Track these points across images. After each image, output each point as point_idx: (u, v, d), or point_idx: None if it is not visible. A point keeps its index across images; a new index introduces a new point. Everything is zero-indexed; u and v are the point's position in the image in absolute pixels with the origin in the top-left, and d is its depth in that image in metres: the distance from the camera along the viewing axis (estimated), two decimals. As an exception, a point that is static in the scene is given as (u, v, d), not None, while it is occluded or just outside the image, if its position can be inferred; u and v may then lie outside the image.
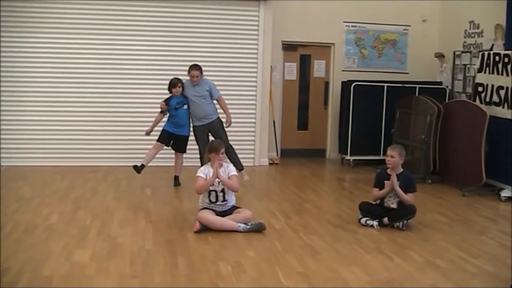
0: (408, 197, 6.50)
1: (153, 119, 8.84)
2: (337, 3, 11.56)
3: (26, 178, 8.92)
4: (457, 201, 8.27)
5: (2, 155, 10.04)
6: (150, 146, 8.64)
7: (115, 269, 4.93)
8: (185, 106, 8.59)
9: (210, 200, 6.37)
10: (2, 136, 10.03)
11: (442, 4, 11.90)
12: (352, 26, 11.83)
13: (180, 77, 8.80)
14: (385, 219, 6.53)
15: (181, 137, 8.65)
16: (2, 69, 9.95)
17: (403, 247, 5.84)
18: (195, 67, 8.52)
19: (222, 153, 6.43)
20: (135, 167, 8.36)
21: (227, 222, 6.24)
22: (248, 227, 6.20)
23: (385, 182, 6.57)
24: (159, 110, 8.60)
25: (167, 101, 8.57)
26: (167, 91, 8.69)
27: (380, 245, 5.85)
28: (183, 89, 8.59)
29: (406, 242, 6.02)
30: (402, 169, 6.67)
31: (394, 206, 6.58)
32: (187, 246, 5.70)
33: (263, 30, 10.68)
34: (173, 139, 8.64)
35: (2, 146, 10.04)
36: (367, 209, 6.71)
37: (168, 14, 10.40)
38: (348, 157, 11.02)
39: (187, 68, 8.95)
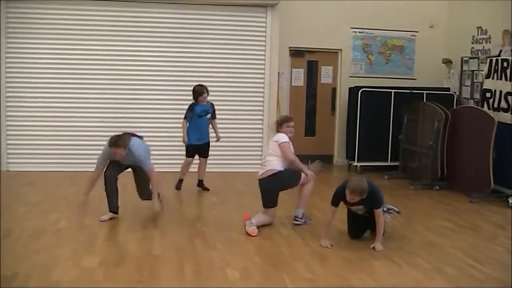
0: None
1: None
2: (344, 9, 11.57)
3: (34, 184, 8.96)
4: (464, 207, 8.24)
5: (9, 160, 10.09)
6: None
7: (122, 274, 4.94)
8: (208, 115, 8.60)
9: None
10: (9, 142, 10.09)
11: (449, 10, 11.88)
12: (359, 32, 11.83)
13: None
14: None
15: (204, 145, 8.70)
16: (9, 74, 10.01)
17: (411, 253, 5.83)
18: None
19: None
20: (177, 188, 8.72)
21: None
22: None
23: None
24: (182, 116, 8.54)
25: (190, 107, 8.47)
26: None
27: (388, 252, 5.84)
28: (208, 95, 8.55)
29: (413, 248, 6.01)
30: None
31: (361, 212, 6.23)
32: (194, 252, 5.70)
33: (270, 36, 10.69)
34: (198, 149, 8.68)
35: (9, 151, 10.10)
36: (353, 233, 6.43)
37: (176, 20, 10.43)
38: (355, 163, 11.01)
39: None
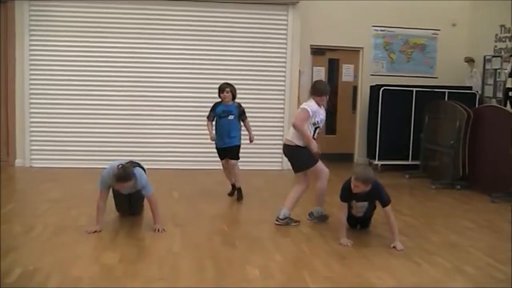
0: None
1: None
2: (366, 7, 11.54)
3: (56, 180, 9.04)
4: (485, 207, 8.17)
5: (33, 156, 10.20)
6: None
7: (143, 271, 4.97)
8: (231, 117, 7.98)
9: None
10: (32, 138, 10.20)
11: (472, 8, 11.79)
12: (380, 30, 11.79)
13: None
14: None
15: (228, 148, 8.06)
16: (33, 71, 10.12)
17: (431, 252, 5.80)
18: None
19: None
20: (235, 193, 8.23)
21: None
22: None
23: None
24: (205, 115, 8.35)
25: (213, 107, 8.08)
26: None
27: (407, 251, 5.81)
28: (234, 96, 8.08)
29: (433, 247, 5.98)
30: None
31: (360, 215, 6.37)
32: (214, 249, 5.72)
33: (291, 34, 10.69)
34: (223, 152, 8.15)
35: (33, 148, 10.20)
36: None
37: (197, 18, 10.47)
38: (376, 162, 10.99)
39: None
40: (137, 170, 6.19)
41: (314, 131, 6.63)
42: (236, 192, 8.19)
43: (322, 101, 6.68)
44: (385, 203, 5.96)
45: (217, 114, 8.02)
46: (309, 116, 6.53)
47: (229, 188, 8.33)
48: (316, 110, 6.57)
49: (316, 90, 6.69)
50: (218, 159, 8.23)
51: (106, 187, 6.24)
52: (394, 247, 5.90)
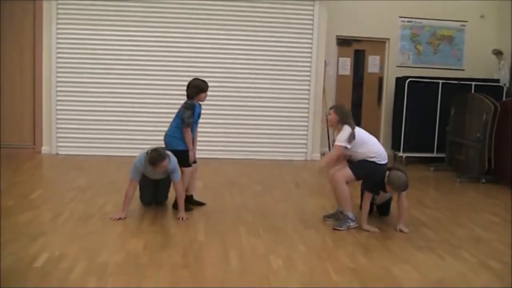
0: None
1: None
2: (393, -2, 11.47)
3: (81, 168, 9.13)
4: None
5: (59, 144, 10.30)
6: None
7: (167, 259, 5.00)
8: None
9: None
10: (59, 126, 10.30)
11: (500, -1, 11.67)
12: (407, 21, 11.70)
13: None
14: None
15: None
16: (60, 60, 10.21)
17: (456, 246, 5.77)
18: None
19: None
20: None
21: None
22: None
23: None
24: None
25: (193, 110, 6.61)
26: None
27: (432, 244, 5.79)
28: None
29: (458, 241, 5.95)
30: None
31: (378, 201, 6.59)
32: (238, 239, 5.74)
33: (317, 24, 10.66)
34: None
35: (59, 135, 10.31)
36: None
37: (224, 8, 10.48)
38: (400, 154, 10.94)
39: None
40: (168, 152, 6.28)
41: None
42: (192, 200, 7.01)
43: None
44: (403, 190, 6.13)
45: (195, 119, 6.73)
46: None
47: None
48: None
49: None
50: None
51: (138, 176, 6.31)
52: (400, 230, 6.12)
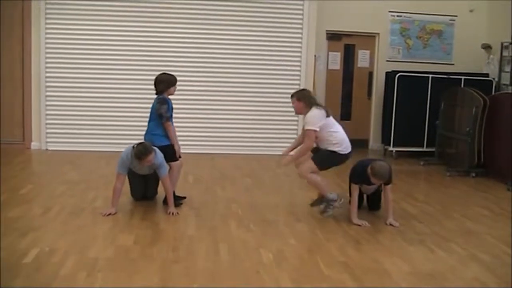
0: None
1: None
2: (383, -8, 11.48)
3: (72, 163, 9.10)
4: (502, 195, 8.13)
5: (48, 139, 10.26)
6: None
7: (158, 253, 5.00)
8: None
9: None
10: (48, 121, 10.25)
11: (490, -6, 11.69)
12: (397, 16, 11.72)
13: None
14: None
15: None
16: (49, 55, 10.15)
17: (446, 239, 5.79)
18: None
19: None
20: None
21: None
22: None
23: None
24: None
25: (168, 103, 6.60)
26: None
27: (423, 237, 5.82)
28: None
29: (449, 234, 5.97)
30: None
31: (369, 193, 6.66)
32: (229, 233, 5.74)
33: (307, 19, 10.64)
34: None
35: (48, 131, 10.26)
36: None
37: (212, 3, 10.41)
38: (391, 148, 10.95)
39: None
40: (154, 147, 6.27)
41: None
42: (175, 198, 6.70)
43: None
44: (388, 183, 6.17)
45: (170, 113, 6.67)
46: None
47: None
48: None
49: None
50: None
51: (125, 170, 6.30)
52: (390, 224, 6.16)
